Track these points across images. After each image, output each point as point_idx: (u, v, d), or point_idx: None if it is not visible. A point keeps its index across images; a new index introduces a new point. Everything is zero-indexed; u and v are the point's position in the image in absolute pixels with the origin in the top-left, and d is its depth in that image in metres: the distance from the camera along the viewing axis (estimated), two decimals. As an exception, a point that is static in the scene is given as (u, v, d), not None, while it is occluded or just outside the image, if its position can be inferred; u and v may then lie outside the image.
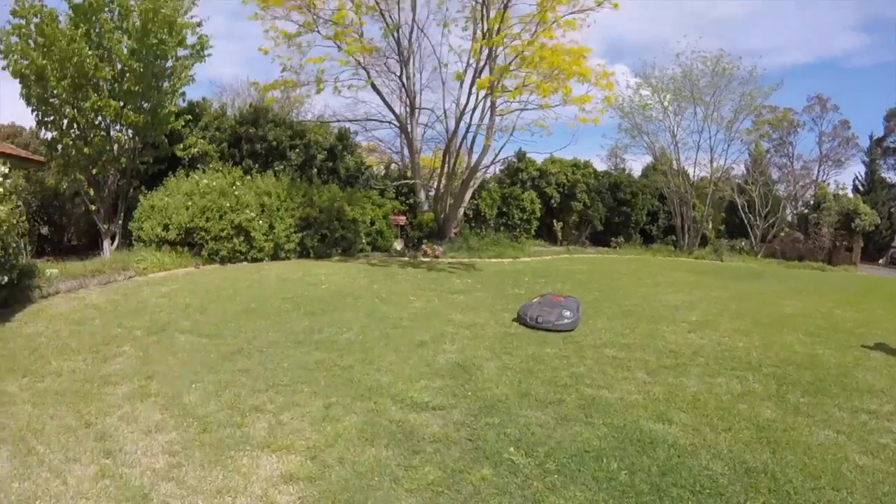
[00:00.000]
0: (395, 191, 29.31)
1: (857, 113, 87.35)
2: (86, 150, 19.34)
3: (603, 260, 30.79)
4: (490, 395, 8.50)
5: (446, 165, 28.00)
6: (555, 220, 38.01)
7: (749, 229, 46.67)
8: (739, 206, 46.80)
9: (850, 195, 51.51)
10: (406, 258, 24.36)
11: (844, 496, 5.83)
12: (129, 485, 5.90)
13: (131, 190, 21.95)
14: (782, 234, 48.01)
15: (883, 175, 54.97)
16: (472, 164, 28.82)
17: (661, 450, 6.82)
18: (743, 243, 45.20)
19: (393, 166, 35.12)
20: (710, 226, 45.91)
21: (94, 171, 20.37)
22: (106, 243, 20.75)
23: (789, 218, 52.33)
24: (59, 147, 19.69)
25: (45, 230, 21.44)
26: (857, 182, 55.21)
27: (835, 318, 15.18)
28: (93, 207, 20.96)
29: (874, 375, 9.55)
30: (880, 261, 47.43)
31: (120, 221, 21.27)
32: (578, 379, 9.26)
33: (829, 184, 53.63)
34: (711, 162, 44.95)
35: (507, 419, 7.71)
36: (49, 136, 20.25)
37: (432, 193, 30.41)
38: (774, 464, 6.50)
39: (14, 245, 12.50)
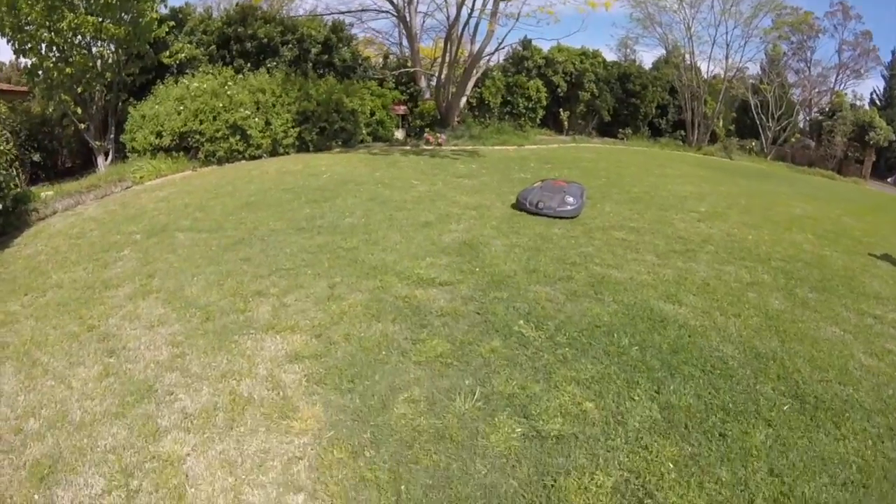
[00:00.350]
0: (395, 80, 28.20)
1: (881, 26, 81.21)
2: (68, 70, 18.48)
3: (610, 150, 29.93)
4: (498, 272, 8.29)
5: (448, 53, 26.68)
6: (561, 110, 36.49)
7: (760, 130, 44.48)
8: (752, 107, 44.44)
9: (867, 108, 49.12)
10: (408, 147, 23.69)
11: (850, 392, 5.64)
12: (133, 379, 5.75)
13: (120, 104, 21.12)
14: (793, 139, 46.36)
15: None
16: (474, 52, 27.50)
17: (672, 329, 6.70)
18: (753, 143, 43.53)
19: (391, 57, 33.66)
20: (721, 123, 44.20)
21: (79, 90, 19.54)
22: (100, 160, 20.20)
23: (801, 125, 50.35)
24: (41, 73, 18.83)
25: (36, 157, 20.76)
26: (874, 96, 51.97)
27: (843, 225, 14.52)
28: (82, 126, 20.24)
29: (880, 283, 9.05)
30: (889, 179, 45.47)
31: (111, 136, 20.62)
32: (587, 258, 9.09)
33: (846, 93, 50.90)
34: (727, 58, 42.64)
35: (515, 294, 7.54)
36: (28, 62, 19.32)
37: (433, 83, 29.14)
38: (783, 352, 6.36)
39: (4, 172, 12.04)
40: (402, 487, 4.07)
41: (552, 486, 4.08)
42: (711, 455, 4.44)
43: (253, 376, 5.71)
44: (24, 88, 21.05)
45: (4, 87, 21.71)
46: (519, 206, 12.07)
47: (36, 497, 4.11)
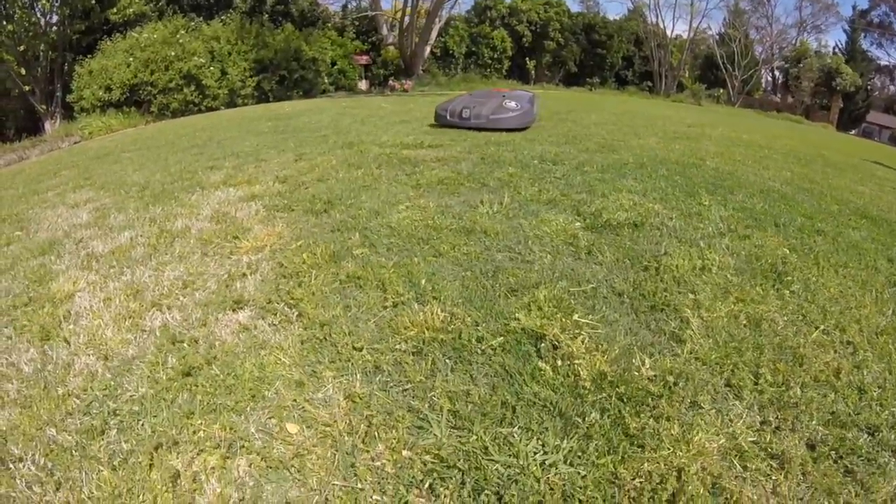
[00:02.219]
0: (356, 31, 27.04)
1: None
2: (9, 27, 17.33)
3: (581, 94, 29.28)
4: (496, 139, 7.53)
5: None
6: (527, 59, 35.61)
7: (728, 79, 43.71)
8: (718, 57, 43.64)
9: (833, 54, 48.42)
10: (372, 94, 22.59)
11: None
12: (38, 241, 4.67)
13: (66, 64, 19.91)
14: (758, 94, 45.87)
15: (864, 47, 50.75)
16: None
17: (708, 170, 6.16)
18: (721, 92, 42.79)
19: (350, 6, 32.43)
20: (688, 74, 43.72)
21: (21, 49, 18.29)
22: (48, 125, 19.04)
23: (763, 84, 50.15)
24: None
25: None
26: (837, 50, 51.27)
27: (824, 146, 14.14)
28: (27, 89, 18.98)
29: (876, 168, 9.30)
30: (853, 131, 44.85)
31: (58, 98, 19.44)
32: (588, 136, 8.38)
33: (810, 41, 50.23)
34: (692, 4, 42.06)
35: (519, 150, 6.66)
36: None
37: (396, 33, 27.97)
38: (827, 189, 6.12)
39: None
40: (422, 281, 3.14)
41: (655, 268, 3.35)
42: (823, 246, 4.04)
43: (192, 217, 4.67)
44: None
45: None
46: (437, 119, 9.24)
47: None
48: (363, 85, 24.55)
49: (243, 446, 2.06)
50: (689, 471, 1.87)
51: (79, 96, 17.78)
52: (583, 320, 2.66)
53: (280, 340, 2.68)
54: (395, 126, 9.39)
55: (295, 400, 2.27)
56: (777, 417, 2.16)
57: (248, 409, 2.24)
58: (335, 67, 22.77)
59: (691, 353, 2.48)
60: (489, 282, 3.11)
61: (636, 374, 2.30)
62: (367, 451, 2.00)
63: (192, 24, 20.29)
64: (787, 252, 3.72)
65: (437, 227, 3.92)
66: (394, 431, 2.06)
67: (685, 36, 43.84)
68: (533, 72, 34.70)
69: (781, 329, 2.75)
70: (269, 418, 2.18)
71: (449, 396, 2.22)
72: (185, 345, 2.73)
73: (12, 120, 20.50)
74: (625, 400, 2.16)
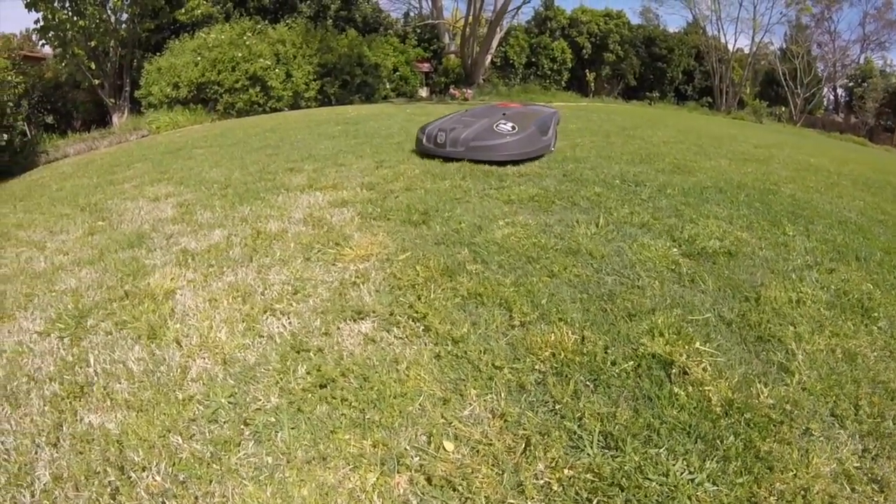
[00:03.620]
0: (417, 38, 27.02)
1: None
2: (81, 23, 17.67)
3: (640, 110, 28.14)
4: (571, 155, 7.25)
5: (473, 5, 25.41)
6: (587, 72, 34.90)
7: (789, 97, 42.22)
8: (780, 74, 41.96)
9: (898, 77, 46.39)
10: (434, 100, 22.49)
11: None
12: (124, 233, 4.66)
13: (135, 61, 20.28)
14: (820, 113, 44.12)
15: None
16: (498, 7, 26.22)
17: (784, 197, 5.84)
18: (783, 110, 41.45)
19: (412, 14, 32.45)
20: (749, 90, 42.45)
21: (92, 44, 18.66)
22: (115, 118, 19.35)
23: (825, 102, 48.45)
24: (52, 31, 18.04)
25: (49, 119, 20.02)
26: None
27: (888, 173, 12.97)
28: (96, 82, 19.35)
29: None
30: None
31: (126, 94, 19.80)
32: (659, 155, 7.86)
33: (876, 60, 48.21)
34: (754, 18, 40.69)
35: (597, 168, 6.41)
36: (39, 16, 18.44)
37: (458, 41, 27.90)
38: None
39: (11, 104, 11.21)
40: (543, 301, 3.05)
41: (755, 299, 3.27)
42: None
43: (284, 219, 4.57)
44: (37, 54, 20.32)
45: (28, 54, 20.99)
46: (417, 145, 7.29)
47: None
48: (424, 92, 24.51)
49: (401, 463, 2.00)
50: (812, 491, 1.95)
51: (147, 92, 18.12)
52: (703, 348, 2.65)
53: (413, 355, 2.61)
54: None
55: (443, 417, 2.22)
56: (876, 446, 2.21)
57: (397, 425, 2.17)
58: (397, 74, 22.76)
59: (799, 383, 2.52)
60: (607, 305, 3.03)
61: (757, 401, 2.35)
62: (530, 470, 1.97)
63: (259, 26, 20.47)
64: (872, 287, 3.64)
65: (543, 246, 3.81)
66: (552, 451, 2.04)
67: (746, 50, 42.45)
68: (592, 84, 34.16)
69: (873, 364, 2.76)
70: (421, 435, 2.13)
71: (597, 417, 2.20)
72: (311, 354, 2.64)
73: (81, 111, 20.94)
74: (751, 425, 2.21)
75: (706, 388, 2.38)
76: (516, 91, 26.36)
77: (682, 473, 1.96)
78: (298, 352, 2.66)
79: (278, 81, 18.31)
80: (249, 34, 19.29)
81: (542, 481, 1.93)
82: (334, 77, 20.07)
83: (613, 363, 2.51)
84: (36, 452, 2.18)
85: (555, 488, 1.90)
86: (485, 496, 1.87)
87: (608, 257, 3.64)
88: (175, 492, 1.92)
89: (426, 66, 25.40)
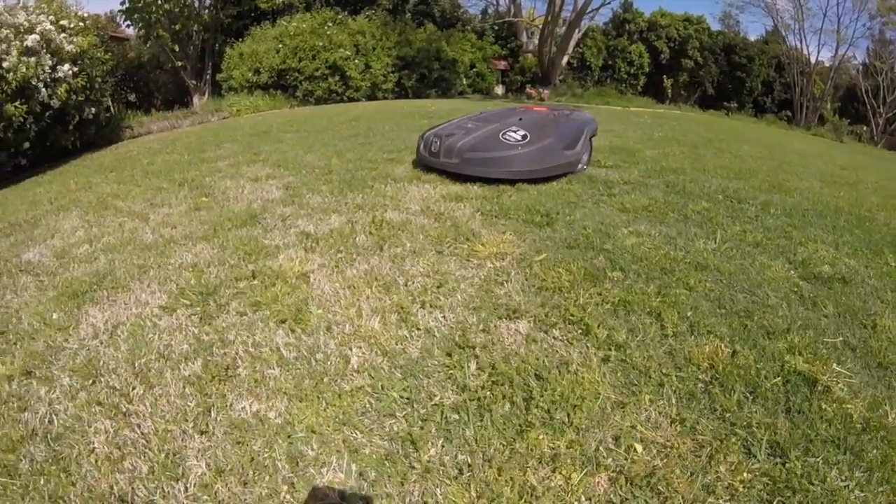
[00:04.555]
0: (495, 35, 26.72)
1: None
2: (166, 6, 18.04)
3: (720, 121, 27.05)
4: (666, 165, 6.80)
5: (552, 5, 25.00)
6: (664, 77, 33.81)
7: (871, 116, 40.15)
8: (862, 90, 39.96)
9: None
10: (509, 99, 22.15)
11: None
12: (232, 211, 4.62)
13: (217, 46, 20.64)
14: None
15: None
16: (578, 6, 25.71)
17: (879, 225, 5.31)
18: (864, 129, 39.30)
19: (489, 10, 32.15)
20: (829, 106, 40.56)
21: (176, 27, 19.02)
22: (195, 99, 19.77)
23: None
24: (137, 13, 18.48)
25: (132, 97, 20.49)
26: None
27: None
28: (179, 64, 19.73)
29: None
30: None
31: (207, 77, 20.19)
32: (751, 173, 7.29)
33: None
34: (838, 31, 38.55)
35: (694, 180, 6.06)
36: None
37: (535, 40, 27.51)
38: None
39: (100, 80, 11.37)
40: (689, 314, 2.95)
41: (872, 326, 3.09)
42: None
43: (400, 209, 4.44)
44: (124, 35, 20.83)
45: (112, 34, 21.59)
46: (417, 155, 6.10)
47: (55, 316, 3.09)
48: (499, 90, 24.24)
49: (599, 463, 2.00)
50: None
51: (228, 76, 18.35)
52: (839, 369, 2.64)
53: (580, 358, 2.55)
54: None
55: (624, 420, 2.20)
56: None
57: (585, 426, 2.15)
58: (473, 70, 22.56)
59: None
60: (746, 322, 2.97)
61: (887, 420, 2.34)
62: (714, 472, 2.00)
63: (339, 17, 20.53)
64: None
65: (673, 258, 3.69)
66: (730, 456, 2.07)
67: (827, 63, 40.47)
68: (669, 91, 33.21)
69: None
70: (609, 436, 2.12)
71: (761, 427, 2.21)
72: (476, 351, 2.57)
73: (162, 91, 21.41)
74: (886, 441, 2.21)
75: (846, 405, 2.40)
76: (591, 94, 25.79)
77: (836, 481, 2.00)
78: (463, 347, 2.58)
79: (357, 72, 18.32)
80: (330, 24, 19.38)
81: (726, 483, 1.96)
82: (412, 70, 19.99)
83: (765, 377, 2.52)
84: (183, 440, 2.08)
85: (739, 489, 1.94)
86: (681, 496, 1.89)
87: (734, 275, 3.53)
88: (363, 489, 1.88)
89: (502, 64, 25.09)
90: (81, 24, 10.42)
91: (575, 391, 2.31)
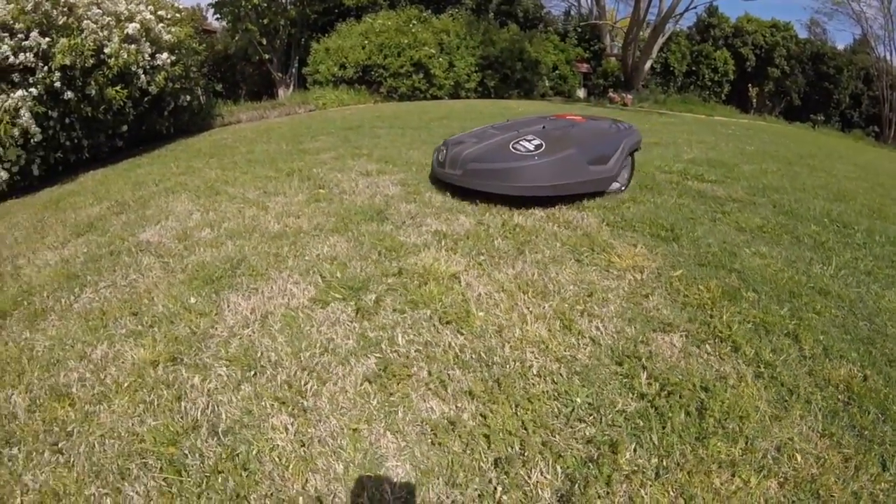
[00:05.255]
0: (578, 37, 26.34)
1: None
2: (254, 0, 18.39)
3: (807, 135, 25.80)
4: (763, 183, 6.41)
5: (639, 8, 24.47)
6: (749, 86, 32.51)
7: None
8: None
9: None
10: (591, 103, 21.77)
11: None
12: (354, 204, 4.60)
13: (303, 40, 21.02)
14: None
15: None
16: (664, 10, 25.08)
17: None
18: None
19: (573, 12, 31.76)
20: None
21: (264, 22, 19.42)
22: (281, 91, 20.17)
23: None
24: (227, 3, 19.08)
25: (219, 87, 21.09)
26: None
27: None
28: (266, 57, 20.17)
29: None
30: None
31: (293, 70, 20.56)
32: (850, 196, 6.72)
33: None
34: None
35: (794, 200, 5.69)
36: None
37: (617, 42, 27.00)
38: None
39: (194, 69, 11.66)
40: (821, 337, 2.90)
41: None
42: None
43: (526, 214, 4.35)
44: (211, 28, 21.45)
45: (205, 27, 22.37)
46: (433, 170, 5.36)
47: (192, 300, 3.09)
48: (581, 93, 23.85)
49: (769, 469, 2.06)
50: None
51: (314, 69, 18.63)
52: None
53: (734, 373, 2.57)
54: (650, 148, 8.29)
55: (781, 431, 2.23)
56: None
57: (752, 434, 2.20)
58: (556, 72, 22.29)
59: None
60: (870, 349, 2.90)
61: None
62: (860, 481, 2.05)
63: (423, 15, 20.55)
64: None
65: (797, 282, 3.57)
66: (871, 468, 2.11)
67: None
68: (754, 100, 32.02)
69: None
70: (772, 446, 2.16)
71: (894, 444, 2.23)
72: (643, 361, 2.57)
73: (248, 83, 21.93)
74: None
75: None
76: (673, 101, 25.00)
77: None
78: (630, 357, 2.59)
79: (441, 70, 18.32)
80: (415, 22, 19.43)
81: (869, 490, 2.02)
82: (494, 70, 19.87)
83: (892, 401, 2.50)
84: (376, 439, 2.09)
85: (880, 497, 2.00)
86: (836, 500, 1.97)
87: (854, 303, 3.41)
88: (573, 491, 1.91)
89: (585, 67, 24.69)
90: (178, 15, 10.69)
91: (738, 404, 2.34)
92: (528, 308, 2.93)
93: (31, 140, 7.03)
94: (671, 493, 1.92)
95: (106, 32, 8.10)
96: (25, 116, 6.81)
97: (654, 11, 25.94)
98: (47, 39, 7.24)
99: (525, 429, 2.13)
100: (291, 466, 1.96)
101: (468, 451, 2.04)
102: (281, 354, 2.51)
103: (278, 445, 2.04)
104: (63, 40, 7.30)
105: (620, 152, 5.00)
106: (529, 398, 2.28)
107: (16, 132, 6.74)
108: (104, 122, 8.36)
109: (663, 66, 28.48)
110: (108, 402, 2.39)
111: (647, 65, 26.29)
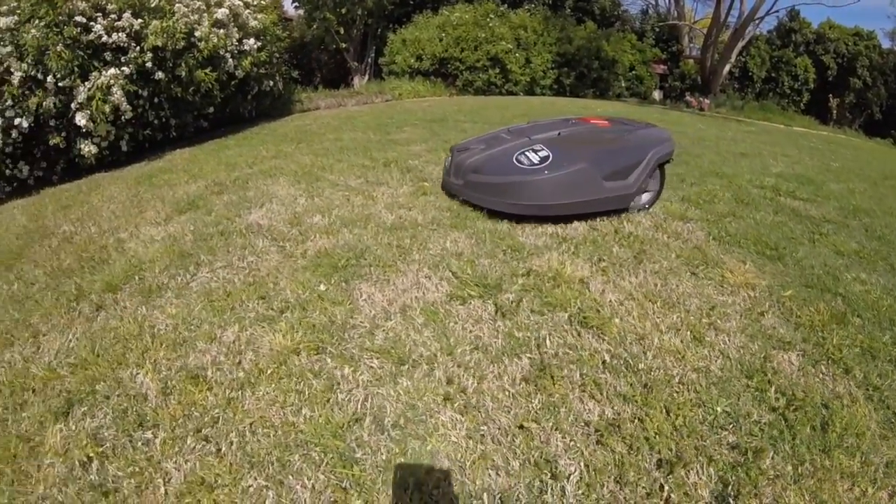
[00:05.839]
0: (655, 38, 25.79)
1: None
2: (333, -10, 18.55)
3: (892, 151, 25.15)
4: (855, 205, 6.12)
5: (719, 9, 23.86)
6: (830, 96, 31.09)
7: None
8: None
9: None
10: (667, 106, 21.31)
11: None
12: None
13: (379, 30, 21.10)
14: None
15: None
16: (744, 12, 24.37)
17: None
18: None
19: (650, 11, 31.11)
20: None
21: (343, 11, 19.56)
22: (356, 80, 20.29)
23: None
24: None
25: (295, 74, 21.43)
26: None
27: None
28: (343, 46, 20.34)
29: None
30: None
31: (369, 59, 20.66)
32: None
33: None
34: None
35: (891, 226, 5.42)
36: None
37: (695, 44, 26.39)
38: None
39: (277, 55, 11.87)
40: None
41: None
42: None
43: (633, 223, 4.35)
44: (288, 16, 21.83)
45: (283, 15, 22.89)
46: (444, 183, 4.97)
47: (322, 288, 3.13)
48: (657, 95, 23.34)
49: (881, 482, 2.11)
50: None
51: (391, 60, 18.72)
52: None
53: (846, 393, 2.60)
54: (738, 159, 8.05)
55: (890, 450, 2.26)
56: None
57: (866, 451, 2.25)
58: (632, 73, 21.83)
59: None
60: None
61: None
62: None
63: (500, 9, 20.40)
64: None
65: None
66: None
67: None
68: (834, 111, 30.78)
69: None
70: (882, 461, 2.20)
71: None
72: (769, 376, 2.63)
73: (323, 71, 22.20)
74: None
75: None
76: (751, 107, 24.28)
77: None
78: (757, 372, 2.65)
79: (517, 66, 18.17)
80: (492, 16, 19.27)
81: None
82: (570, 68, 19.60)
83: None
84: (544, 438, 2.12)
85: None
86: None
87: None
88: (727, 492, 1.98)
89: (662, 68, 24.16)
90: (263, 2, 10.89)
91: (854, 422, 2.39)
92: (659, 318, 2.95)
93: (122, 117, 7.28)
94: (807, 497, 2.00)
95: (196, 16, 8.32)
96: (118, 94, 7.02)
97: (733, 14, 25.30)
98: (140, 21, 7.48)
99: (678, 433, 2.20)
100: (469, 462, 1.98)
101: (632, 452, 2.09)
102: (432, 350, 2.51)
103: (453, 441, 2.06)
104: (155, 22, 7.55)
105: (644, 166, 4.40)
106: (677, 405, 2.34)
107: (107, 109, 6.96)
108: (192, 103, 8.62)
109: (742, 70, 27.64)
110: (252, 388, 2.40)
111: (726, 69, 25.59)
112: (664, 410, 2.29)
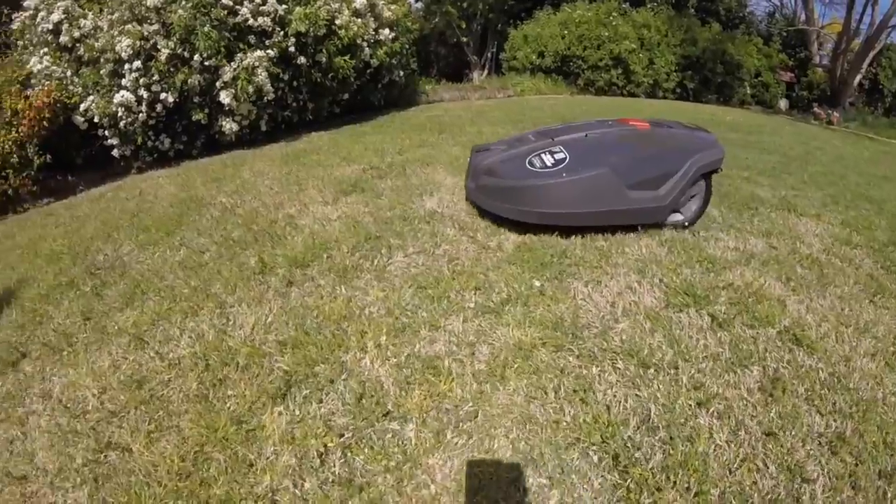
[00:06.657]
0: (782, 42, 24.66)
1: None
2: (455, -16, 18.79)
3: None
4: None
5: (850, 15, 22.58)
6: None
7: None
8: None
9: None
10: (794, 118, 20.32)
11: None
12: None
13: (499, 25, 21.20)
14: None
15: None
16: (876, 20, 22.93)
17: None
18: None
19: (777, 15, 29.65)
20: None
21: (464, 5, 19.77)
22: (475, 73, 20.55)
23: None
24: None
25: (413, 65, 21.84)
26: None
27: None
28: (464, 40, 20.61)
29: None
30: None
31: (489, 54, 20.87)
32: None
33: None
34: None
35: None
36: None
37: (824, 52, 25.05)
38: None
39: (407, 46, 12.23)
40: None
41: None
42: None
43: (809, 245, 4.36)
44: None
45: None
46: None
47: (537, 283, 3.27)
48: (783, 104, 22.29)
49: None
50: None
51: (511, 55, 18.88)
52: None
53: None
54: (880, 182, 7.57)
55: None
56: None
57: None
58: (758, 79, 20.99)
59: None
60: None
61: None
62: None
63: (623, 7, 20.07)
64: None
65: None
66: None
67: None
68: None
69: None
70: None
71: None
72: None
73: (441, 63, 22.51)
74: None
75: None
76: (883, 125, 22.71)
77: None
78: None
79: (640, 67, 17.90)
80: (615, 14, 18.98)
81: None
82: (695, 71, 19.08)
83: None
84: (794, 448, 2.22)
85: None
86: None
87: None
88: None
89: (789, 76, 23.04)
90: (395, -6, 11.23)
91: None
92: (854, 342, 2.96)
93: (264, 98, 7.84)
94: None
95: (337, 4, 8.84)
96: (262, 75, 7.56)
97: (864, 21, 23.94)
98: (284, 6, 8.03)
99: (889, 448, 2.25)
100: (735, 465, 2.11)
101: (859, 464, 2.17)
102: (669, 355, 2.66)
103: (717, 444, 2.18)
104: (298, 9, 8.09)
105: (682, 175, 3.90)
106: (888, 424, 2.38)
107: (251, 89, 7.50)
108: (329, 89, 9.17)
109: (871, 82, 26.05)
110: (502, 382, 2.43)
111: (856, 80, 24.21)
112: (877, 427, 2.35)
